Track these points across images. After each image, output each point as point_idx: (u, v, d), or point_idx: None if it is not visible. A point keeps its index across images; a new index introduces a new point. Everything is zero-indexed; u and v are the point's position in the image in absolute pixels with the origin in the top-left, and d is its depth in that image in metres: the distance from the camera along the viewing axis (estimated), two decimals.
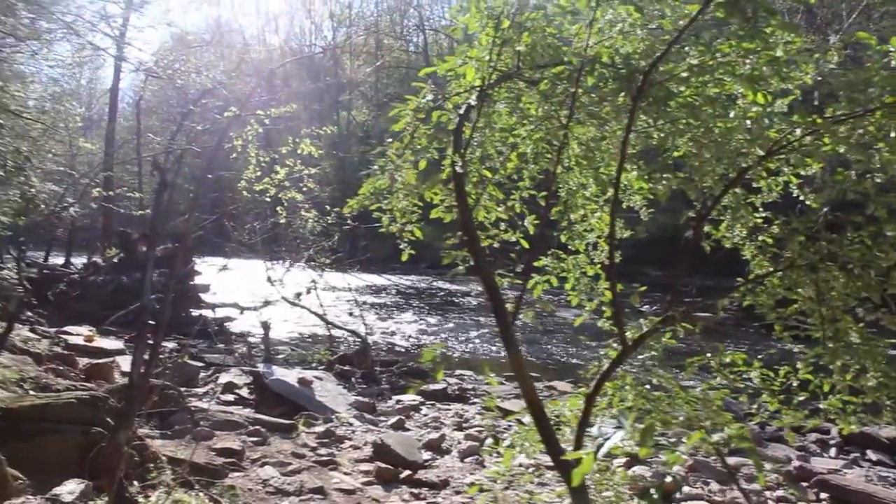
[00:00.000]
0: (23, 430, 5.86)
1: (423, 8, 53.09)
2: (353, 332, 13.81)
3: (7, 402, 6.31)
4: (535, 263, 3.79)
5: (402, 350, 15.28)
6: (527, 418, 3.51)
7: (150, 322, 6.90)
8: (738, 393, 3.48)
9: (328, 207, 11.43)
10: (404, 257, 3.85)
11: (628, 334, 3.20)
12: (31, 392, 7.57)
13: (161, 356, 10.44)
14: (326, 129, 9.55)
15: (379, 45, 51.34)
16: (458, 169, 3.25)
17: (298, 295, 12.67)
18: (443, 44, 51.12)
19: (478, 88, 3.39)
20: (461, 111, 3.38)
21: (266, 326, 12.74)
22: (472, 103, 3.36)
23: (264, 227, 13.45)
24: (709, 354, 3.41)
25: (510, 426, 8.01)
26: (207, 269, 17.86)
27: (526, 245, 3.82)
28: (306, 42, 56.51)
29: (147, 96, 25.37)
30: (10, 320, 8.18)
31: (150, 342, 6.41)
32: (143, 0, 18.52)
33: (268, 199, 9.59)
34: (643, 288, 3.20)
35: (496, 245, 3.78)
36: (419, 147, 3.46)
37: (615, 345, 3.30)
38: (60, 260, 20.56)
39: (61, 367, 10.13)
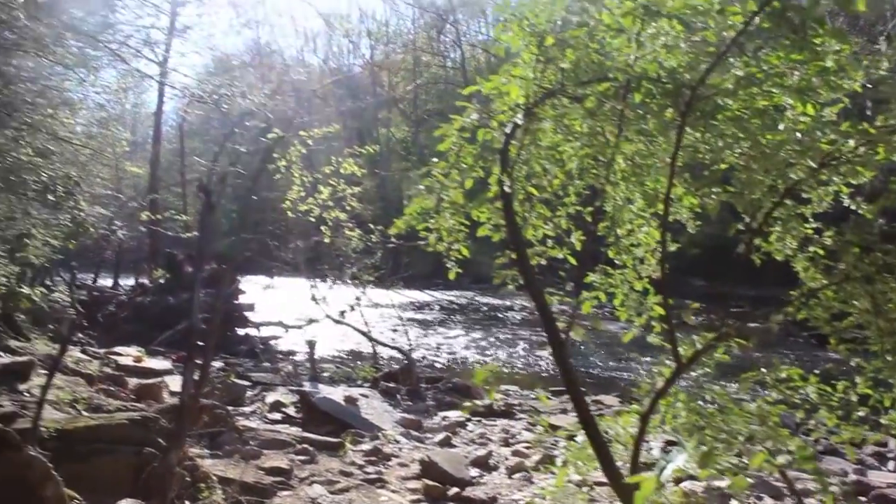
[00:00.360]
0: (77, 451, 5.96)
1: (459, 24, 53.26)
2: (398, 349, 13.84)
3: (62, 424, 6.44)
4: (584, 280, 3.77)
5: (447, 366, 15.27)
6: (579, 436, 3.49)
7: (199, 343, 7.00)
8: (795, 409, 3.41)
9: (371, 225, 11.50)
10: (451, 275, 3.86)
11: (682, 351, 3.16)
12: (85, 413, 7.71)
13: (209, 376, 10.56)
14: (369, 148, 9.63)
15: (416, 61, 51.59)
16: (506, 189, 3.25)
17: (342, 313, 12.75)
18: (480, 58, 51.22)
19: (523, 107, 3.39)
20: (507, 130, 3.38)
21: (311, 344, 12.82)
22: (519, 122, 3.36)
23: (307, 246, 13.57)
24: (763, 370, 3.35)
25: (558, 441, 7.94)
26: (251, 288, 18.07)
27: (573, 261, 3.81)
28: (345, 61, 57.03)
29: (190, 119, 25.78)
30: (63, 342, 8.34)
31: (199, 363, 6.49)
32: (186, 26, 18.84)
33: (312, 220, 9.67)
34: (696, 305, 3.17)
35: (543, 262, 3.77)
36: (465, 166, 3.47)
37: (667, 361, 3.26)
38: (109, 282, 20.91)
39: (112, 388, 10.28)
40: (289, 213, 9.42)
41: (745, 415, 3.03)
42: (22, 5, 10.35)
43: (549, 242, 3.82)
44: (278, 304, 18.25)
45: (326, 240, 11.16)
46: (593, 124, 3.39)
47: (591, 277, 3.88)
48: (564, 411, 10.09)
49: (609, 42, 3.38)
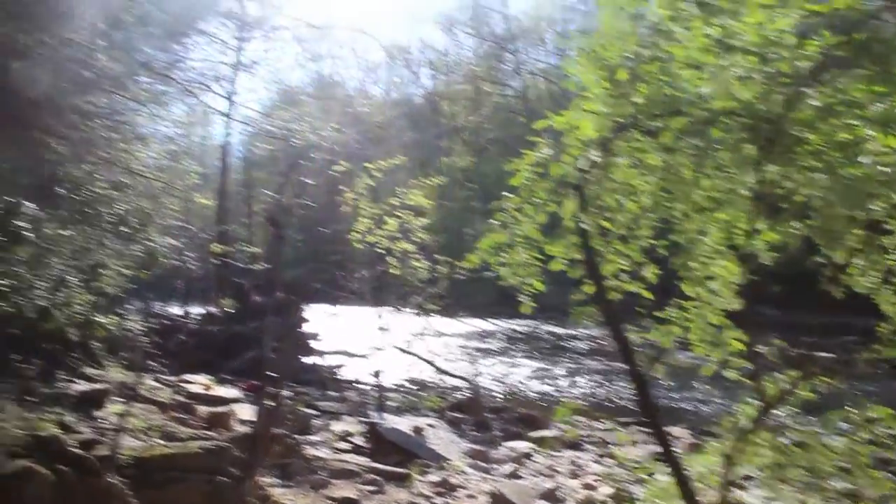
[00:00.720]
0: (154, 479, 6.09)
1: (519, 52, 53.46)
2: (463, 378, 13.82)
3: (139, 451, 6.60)
4: (659, 314, 3.73)
5: (513, 395, 15.19)
6: (659, 473, 3.44)
7: (269, 372, 7.11)
8: (886, 448, 3.31)
9: (437, 256, 11.55)
10: (525, 309, 3.86)
11: (767, 389, 3.11)
12: (160, 440, 7.86)
13: (281, 406, 10.71)
14: (434, 179, 9.71)
15: (477, 90, 51.85)
16: (584, 226, 3.25)
17: (408, 342, 12.81)
18: (541, 86, 51.33)
19: (595, 141, 3.40)
20: (582, 166, 3.39)
21: (377, 374, 12.88)
22: (594, 158, 3.37)
23: (372, 275, 13.68)
24: (850, 407, 3.27)
25: (630, 474, 7.82)
26: (315, 316, 18.26)
27: (648, 295, 3.78)
28: (406, 92, 57.62)
29: (256, 151, 26.34)
30: (138, 370, 8.55)
31: (270, 392, 6.60)
32: (253, 61, 19.26)
33: (379, 251, 9.77)
34: (783, 343, 3.12)
35: (619, 296, 3.75)
36: (538, 201, 3.49)
37: (751, 399, 3.21)
38: (179, 310, 21.34)
39: (183, 416, 10.46)
40: (356, 245, 9.53)
41: (832, 454, 2.96)
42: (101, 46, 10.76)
43: (624, 277, 3.80)
44: (342, 333, 18.41)
45: (394, 271, 11.24)
46: (668, 158, 3.37)
47: (667, 312, 3.84)
48: (636, 443, 9.97)
49: (681, 76, 3.37)
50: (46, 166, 11.09)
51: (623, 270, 3.79)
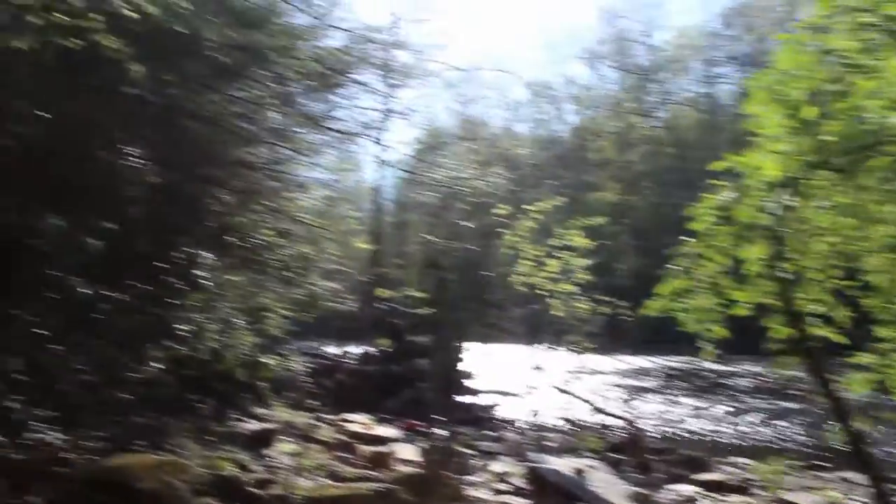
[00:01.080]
0: None
1: (665, 83, 52.60)
2: (622, 418, 13.50)
3: (310, 491, 6.80)
4: (854, 360, 3.53)
5: (674, 436, 14.69)
6: None
7: (428, 413, 7.19)
8: None
9: (598, 297, 11.39)
10: (706, 355, 3.74)
11: None
12: (327, 480, 8.08)
13: (437, 444, 10.82)
14: (592, 219, 9.63)
15: (624, 123, 51.28)
16: (780, 273, 3.13)
17: (565, 380, 12.66)
18: (689, 116, 50.27)
19: (783, 183, 3.27)
20: (772, 209, 3.26)
21: (535, 413, 12.79)
22: (786, 202, 3.24)
23: (525, 313, 13.66)
24: None
25: None
26: (470, 355, 18.35)
27: (841, 340, 3.58)
28: (551, 128, 57.68)
29: (407, 193, 27.03)
30: (302, 409, 8.86)
31: (430, 432, 6.66)
32: (404, 106, 19.73)
33: (539, 292, 9.75)
34: None
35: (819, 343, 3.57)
36: (721, 246, 3.38)
37: None
38: (337, 349, 21.96)
39: (346, 455, 10.71)
40: (516, 286, 9.57)
41: None
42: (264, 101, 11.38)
43: (815, 320, 3.62)
44: (497, 371, 18.41)
45: (555, 312, 11.15)
46: (862, 197, 3.20)
47: (864, 358, 3.62)
48: (808, 489, 9.43)
49: (875, 109, 3.19)
50: (216, 216, 11.77)
51: (814, 314, 3.61)
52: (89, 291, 8.09)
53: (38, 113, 8.09)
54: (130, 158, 9.74)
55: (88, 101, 9.60)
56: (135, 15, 7.93)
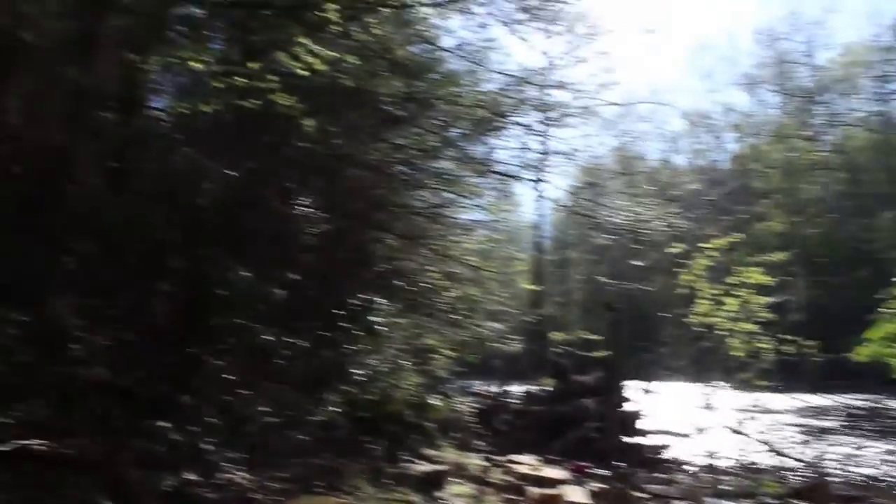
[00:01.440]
0: None
1: (833, 105, 50.13)
2: (804, 461, 12.77)
3: None
4: None
5: (862, 482, 13.70)
6: None
7: (597, 454, 7.05)
8: None
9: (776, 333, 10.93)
10: None
11: None
12: None
13: (607, 487, 10.61)
14: (773, 256, 9.28)
15: (789, 148, 49.11)
16: None
17: (739, 420, 12.13)
18: (859, 136, 47.63)
19: None
20: None
21: (710, 455, 12.31)
22: None
23: (693, 350, 13.23)
24: None
25: None
26: (635, 394, 17.88)
27: None
28: (710, 158, 56.09)
29: (568, 231, 26.97)
30: (470, 451, 8.90)
31: (601, 474, 6.53)
32: (569, 147, 19.66)
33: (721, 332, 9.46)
34: None
35: None
36: None
37: None
38: (500, 389, 21.95)
39: (515, 497, 10.65)
40: (691, 325, 9.32)
41: None
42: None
43: None
44: (664, 411, 17.87)
45: (737, 352, 10.76)
46: None
47: None
48: None
49: None
50: (383, 261, 12.14)
51: None
52: (271, 338, 8.51)
53: (227, 172, 8.66)
54: (302, 208, 10.22)
55: (263, 155, 10.19)
56: (306, 73, 8.39)
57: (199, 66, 8.52)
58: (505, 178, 14.52)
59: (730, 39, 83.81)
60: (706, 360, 13.40)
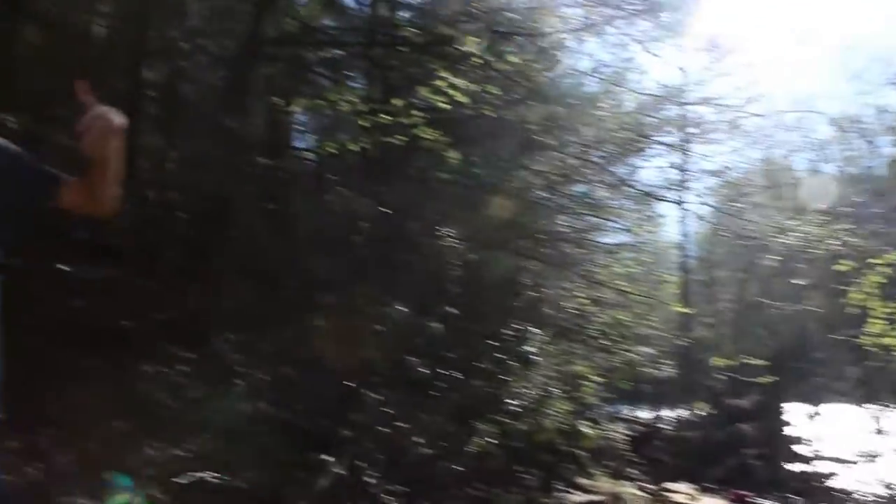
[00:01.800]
0: None
1: None
2: None
3: None
4: None
5: None
6: None
7: (764, 485, 6.70)
8: None
9: None
10: None
11: None
12: None
13: None
14: None
15: None
16: None
17: None
18: None
19: None
20: None
21: (889, 485, 11.56)
22: None
23: (860, 371, 12.51)
24: None
25: None
26: (796, 418, 17.04)
27: None
28: (864, 165, 53.03)
29: (716, 250, 26.11)
30: (627, 478, 8.64)
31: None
32: (713, 162, 19.06)
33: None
34: None
35: None
36: None
37: None
38: (648, 414, 21.38)
39: None
40: (871, 348, 8.78)
41: None
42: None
43: None
44: (830, 435, 16.92)
45: None
46: None
47: None
48: None
49: None
50: (530, 288, 12.09)
51: None
52: (426, 370, 8.58)
53: (379, 208, 8.85)
54: (448, 239, 10.30)
55: (410, 189, 10.37)
56: (448, 106, 8.49)
57: (343, 106, 8.78)
58: (649, 198, 14.20)
59: (881, 37, 79.38)
60: (876, 381, 12.58)
